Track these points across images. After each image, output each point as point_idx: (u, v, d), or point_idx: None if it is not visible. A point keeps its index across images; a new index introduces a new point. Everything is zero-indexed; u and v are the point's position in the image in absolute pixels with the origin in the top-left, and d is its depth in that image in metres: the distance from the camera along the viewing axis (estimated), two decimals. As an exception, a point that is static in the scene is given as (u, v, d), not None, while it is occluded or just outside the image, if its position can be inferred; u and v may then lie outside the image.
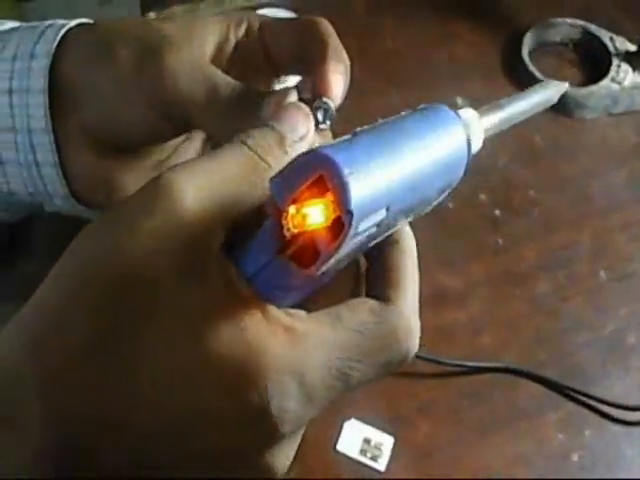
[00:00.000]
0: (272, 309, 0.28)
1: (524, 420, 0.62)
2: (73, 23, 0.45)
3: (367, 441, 0.61)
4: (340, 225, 0.26)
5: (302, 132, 0.33)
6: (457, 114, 0.34)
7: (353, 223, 0.26)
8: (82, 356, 0.26)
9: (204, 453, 0.28)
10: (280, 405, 0.27)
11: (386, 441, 0.61)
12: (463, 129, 0.33)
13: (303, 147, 0.32)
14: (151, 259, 0.27)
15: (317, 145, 0.28)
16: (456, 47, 0.87)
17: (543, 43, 0.88)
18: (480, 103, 0.83)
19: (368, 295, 0.31)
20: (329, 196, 0.26)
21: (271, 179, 0.27)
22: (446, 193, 0.34)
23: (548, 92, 0.42)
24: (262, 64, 0.44)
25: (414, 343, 0.31)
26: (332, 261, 0.27)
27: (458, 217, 0.73)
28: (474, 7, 0.90)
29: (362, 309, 0.30)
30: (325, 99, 0.38)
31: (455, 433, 0.62)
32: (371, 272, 0.33)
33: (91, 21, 0.47)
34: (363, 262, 0.34)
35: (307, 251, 0.27)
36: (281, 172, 0.27)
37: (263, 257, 0.28)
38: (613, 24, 0.87)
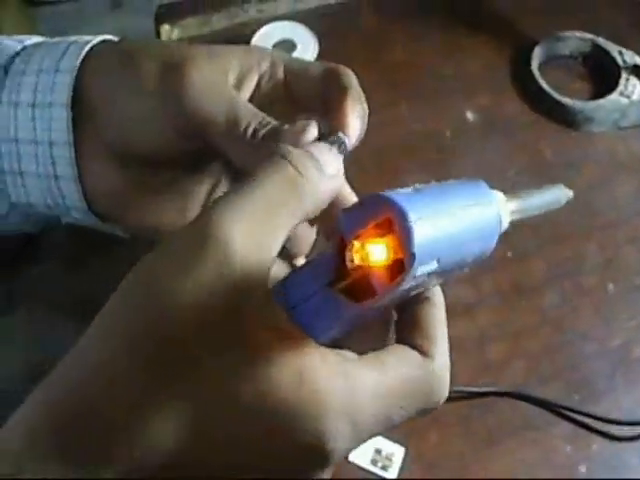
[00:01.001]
0: (327, 352, 0.30)
1: (532, 431, 0.63)
2: (97, 40, 0.46)
3: (378, 451, 0.62)
4: (400, 266, 0.29)
5: (333, 170, 0.34)
6: (491, 191, 0.36)
7: (414, 265, 0.28)
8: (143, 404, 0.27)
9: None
10: (334, 446, 0.29)
11: (397, 451, 0.62)
12: (496, 204, 0.36)
13: (336, 183, 0.34)
14: (206, 314, 0.28)
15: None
16: (465, 60, 0.88)
17: (552, 56, 0.89)
18: (489, 115, 0.84)
19: (403, 342, 0.34)
20: (391, 238, 0.29)
21: (342, 210, 0.30)
22: (474, 263, 0.36)
23: (559, 195, 0.46)
24: (283, 103, 0.44)
25: (446, 393, 0.34)
26: (384, 300, 0.29)
27: (467, 230, 0.74)
28: (484, 20, 0.91)
29: (406, 359, 0.33)
30: (341, 134, 0.39)
31: (464, 443, 0.63)
32: (403, 321, 0.35)
33: (115, 38, 0.48)
34: None
35: (358, 288, 0.30)
36: (352, 207, 0.31)
37: (313, 286, 0.31)
38: (622, 37, 0.88)
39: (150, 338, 0.28)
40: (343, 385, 0.29)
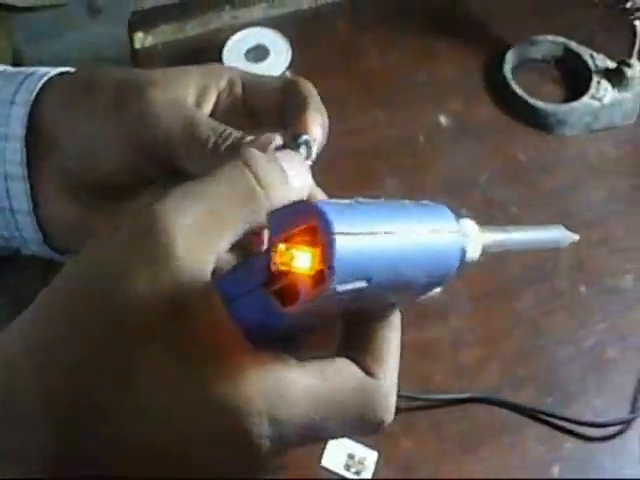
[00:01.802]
0: (261, 352, 0.30)
1: (505, 434, 0.63)
2: (55, 72, 0.46)
3: (351, 456, 0.62)
4: (323, 278, 0.27)
5: (300, 182, 0.34)
6: (456, 219, 0.35)
7: (333, 280, 0.27)
8: (83, 375, 0.28)
9: (194, 469, 0.30)
10: (260, 443, 0.29)
11: (370, 456, 0.62)
12: (458, 232, 0.34)
13: (301, 195, 0.34)
14: (145, 312, 0.28)
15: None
16: (439, 65, 0.88)
17: (525, 60, 0.89)
18: (463, 120, 0.84)
19: (349, 355, 0.33)
20: (316, 248, 0.28)
21: (270, 212, 0.29)
22: (438, 289, 0.35)
23: (559, 236, 0.44)
24: (242, 118, 0.44)
25: (389, 416, 0.33)
26: (310, 309, 0.28)
27: (441, 233, 0.74)
28: (456, 25, 0.91)
29: (345, 373, 0.32)
30: (306, 136, 0.39)
31: (437, 447, 0.63)
32: (356, 336, 0.34)
33: (72, 69, 0.48)
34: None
35: (291, 292, 0.29)
36: (282, 209, 0.29)
37: (249, 284, 0.30)
38: (594, 41, 0.88)
39: (90, 331, 0.28)
40: (272, 386, 0.29)
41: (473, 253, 0.36)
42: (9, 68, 0.49)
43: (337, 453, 0.62)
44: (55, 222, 0.45)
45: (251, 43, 0.89)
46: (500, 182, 0.79)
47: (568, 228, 0.75)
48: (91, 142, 0.42)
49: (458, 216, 0.34)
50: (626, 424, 0.64)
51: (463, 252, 0.35)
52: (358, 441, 0.62)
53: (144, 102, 0.41)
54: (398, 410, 0.63)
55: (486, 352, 0.67)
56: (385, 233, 0.29)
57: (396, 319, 0.34)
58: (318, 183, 0.38)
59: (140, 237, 0.29)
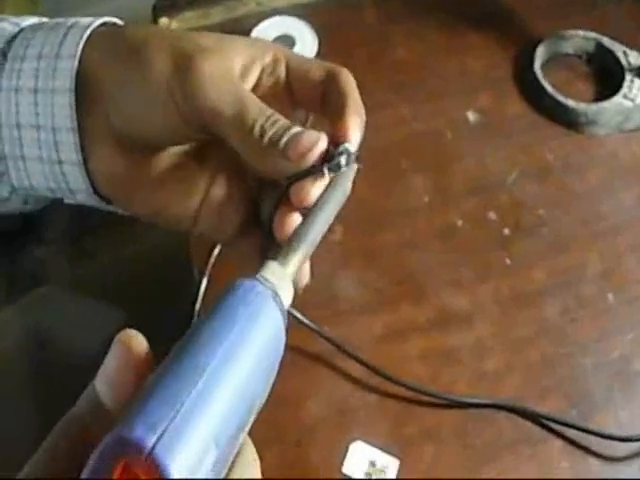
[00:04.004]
0: None
1: (528, 446, 0.62)
2: (97, 23, 0.46)
3: (372, 463, 0.61)
4: None
5: None
6: (262, 288, 0.32)
7: None
8: None
9: None
10: None
11: (391, 464, 0.62)
12: (279, 310, 0.32)
13: None
14: None
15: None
16: (467, 59, 0.87)
17: (556, 55, 0.87)
18: (491, 117, 0.83)
19: None
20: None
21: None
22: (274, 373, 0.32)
23: (343, 185, 0.41)
24: (282, 97, 0.45)
25: None
26: None
27: (466, 236, 0.73)
28: (486, 18, 0.89)
29: None
30: (347, 145, 0.40)
31: (460, 456, 0.62)
32: None
33: (114, 20, 0.48)
34: None
35: None
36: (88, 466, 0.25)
37: None
38: (628, 38, 0.86)
39: None
40: None
41: (286, 300, 0.33)
42: (46, 20, 0.49)
43: (358, 460, 0.61)
44: (102, 173, 0.45)
45: (277, 32, 0.87)
46: (528, 182, 0.77)
47: (597, 232, 0.74)
48: (139, 106, 0.43)
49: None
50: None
51: (283, 313, 0.32)
52: (380, 448, 0.62)
53: (194, 75, 0.41)
54: (421, 415, 0.63)
55: (510, 360, 0.66)
56: (201, 393, 0.26)
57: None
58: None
59: None
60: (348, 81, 0.43)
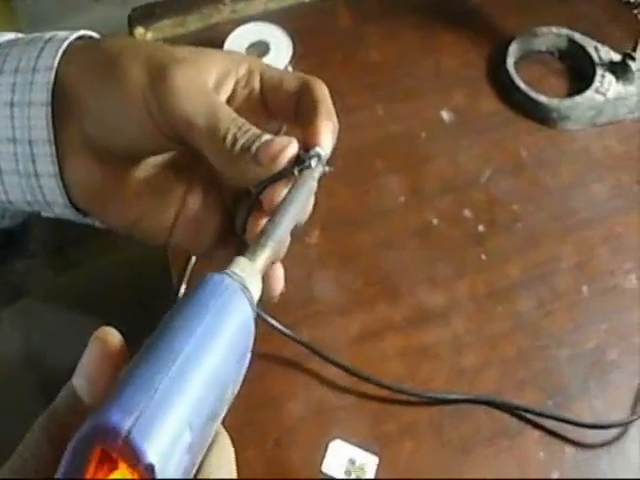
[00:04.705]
0: None
1: (506, 438, 0.63)
2: (74, 36, 0.46)
3: (352, 461, 0.62)
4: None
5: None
6: (231, 281, 0.33)
7: (157, 473, 0.25)
8: None
9: None
10: None
11: (370, 461, 0.62)
12: (247, 302, 0.33)
13: None
14: None
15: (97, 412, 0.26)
16: (441, 58, 0.88)
17: (528, 52, 0.88)
18: (465, 115, 0.83)
19: None
20: (122, 464, 0.25)
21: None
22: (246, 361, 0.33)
23: (309, 184, 0.41)
24: (256, 109, 0.45)
25: None
26: None
27: (442, 234, 0.74)
28: (459, 18, 0.90)
29: None
30: (318, 149, 0.41)
31: (438, 452, 0.63)
32: None
33: (92, 33, 0.48)
34: None
35: None
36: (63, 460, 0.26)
37: None
38: (599, 33, 0.87)
39: None
40: None
41: (255, 292, 0.34)
42: (24, 35, 0.49)
43: (338, 458, 0.62)
44: (78, 185, 0.46)
45: (252, 38, 0.88)
46: (502, 179, 0.78)
47: (570, 226, 0.75)
48: (114, 113, 0.43)
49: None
50: (627, 426, 0.63)
51: (252, 305, 0.33)
52: (359, 446, 0.62)
53: (171, 83, 0.41)
54: (399, 413, 0.63)
55: (487, 355, 0.67)
56: (176, 379, 0.27)
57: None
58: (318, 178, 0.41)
59: None
60: (321, 90, 0.44)
